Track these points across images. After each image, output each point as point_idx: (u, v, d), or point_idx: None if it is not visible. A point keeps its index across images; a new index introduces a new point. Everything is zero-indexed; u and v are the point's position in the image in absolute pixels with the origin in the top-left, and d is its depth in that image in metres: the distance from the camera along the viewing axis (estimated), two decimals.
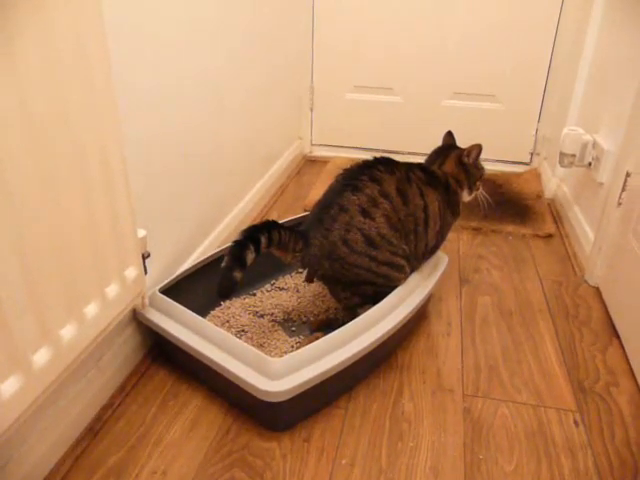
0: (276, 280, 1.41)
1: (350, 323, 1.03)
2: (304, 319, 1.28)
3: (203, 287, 1.23)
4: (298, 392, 0.93)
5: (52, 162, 0.70)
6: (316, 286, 1.38)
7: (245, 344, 0.99)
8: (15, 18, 0.61)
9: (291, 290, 1.38)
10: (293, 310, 1.30)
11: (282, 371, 0.93)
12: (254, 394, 0.92)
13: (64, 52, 0.70)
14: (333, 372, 0.97)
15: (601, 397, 1.08)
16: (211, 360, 0.98)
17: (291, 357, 0.96)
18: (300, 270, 1.44)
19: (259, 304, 1.31)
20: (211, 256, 1.26)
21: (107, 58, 0.78)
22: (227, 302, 1.30)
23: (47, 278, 0.71)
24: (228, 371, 0.95)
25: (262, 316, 1.27)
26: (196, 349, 1.00)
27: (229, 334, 1.03)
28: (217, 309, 1.28)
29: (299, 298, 1.35)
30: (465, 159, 1.24)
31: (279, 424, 1.00)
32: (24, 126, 0.64)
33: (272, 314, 1.28)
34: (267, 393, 0.91)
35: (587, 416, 1.04)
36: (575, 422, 1.02)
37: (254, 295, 1.35)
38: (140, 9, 1.01)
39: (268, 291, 1.37)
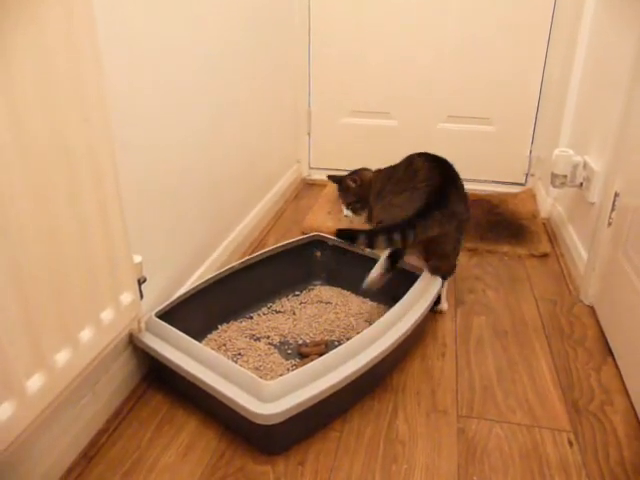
0: (273, 303, 1.42)
1: (343, 345, 1.05)
2: (300, 342, 1.28)
3: (200, 311, 1.25)
4: (292, 414, 0.94)
5: (47, 188, 0.72)
6: (312, 308, 1.39)
7: (239, 367, 1.00)
8: (12, 52, 0.64)
9: (287, 313, 1.39)
10: (289, 333, 1.31)
11: (275, 394, 0.94)
12: (248, 417, 0.93)
13: (60, 81, 0.72)
14: (327, 394, 0.98)
15: (596, 416, 1.08)
16: (205, 384, 0.98)
17: (284, 379, 0.97)
18: (297, 293, 1.46)
19: (256, 327, 1.32)
20: (208, 280, 1.27)
21: (102, 84, 0.80)
22: (224, 325, 1.31)
23: (41, 303, 0.73)
24: (222, 394, 0.96)
25: (258, 339, 1.28)
26: (191, 373, 1.01)
27: (223, 358, 1.04)
28: (214, 333, 1.29)
29: (295, 321, 1.36)
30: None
31: (274, 447, 1.00)
32: (19, 151, 0.67)
33: (268, 337, 1.29)
34: (260, 416, 0.92)
35: (582, 436, 1.04)
36: (569, 442, 1.02)
37: (251, 318, 1.36)
38: (138, 41, 1.04)
39: (265, 314, 1.38)
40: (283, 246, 1.45)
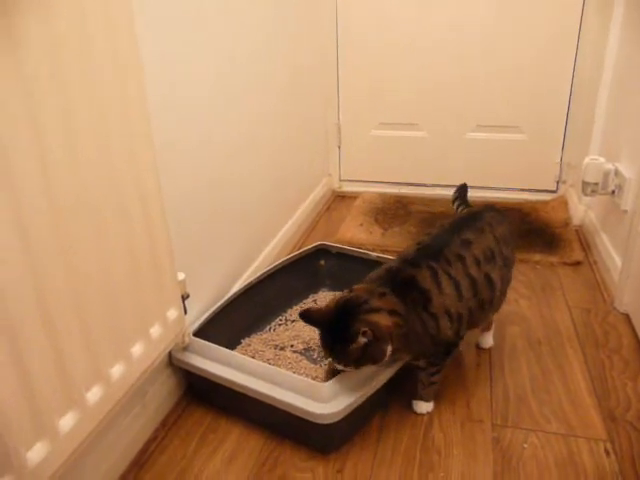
0: (284, 312, 1.47)
1: None
2: None
3: (225, 326, 1.27)
4: (349, 411, 1.00)
5: (100, 216, 0.78)
6: None
7: (294, 375, 1.08)
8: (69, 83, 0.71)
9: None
10: (311, 339, 1.34)
11: (332, 394, 1.00)
12: (310, 419, 0.99)
13: (110, 108, 0.78)
14: (375, 389, 1.04)
15: (632, 426, 1.08)
16: (263, 394, 1.03)
17: (337, 380, 1.02)
18: (305, 301, 1.51)
19: (277, 338, 1.36)
20: (229, 297, 1.31)
21: (145, 106, 0.86)
22: (246, 339, 1.35)
23: (98, 322, 0.79)
24: (282, 402, 1.01)
25: (283, 348, 1.32)
26: (246, 386, 1.05)
27: (275, 367, 1.11)
28: (238, 347, 1.32)
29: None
30: None
31: (330, 445, 1.06)
32: (75, 180, 0.73)
33: (292, 345, 1.33)
34: (323, 416, 0.98)
35: (618, 445, 1.04)
36: (606, 451, 1.03)
37: (269, 330, 1.40)
38: (174, 65, 1.10)
39: (280, 324, 1.42)
40: (290, 258, 1.50)
